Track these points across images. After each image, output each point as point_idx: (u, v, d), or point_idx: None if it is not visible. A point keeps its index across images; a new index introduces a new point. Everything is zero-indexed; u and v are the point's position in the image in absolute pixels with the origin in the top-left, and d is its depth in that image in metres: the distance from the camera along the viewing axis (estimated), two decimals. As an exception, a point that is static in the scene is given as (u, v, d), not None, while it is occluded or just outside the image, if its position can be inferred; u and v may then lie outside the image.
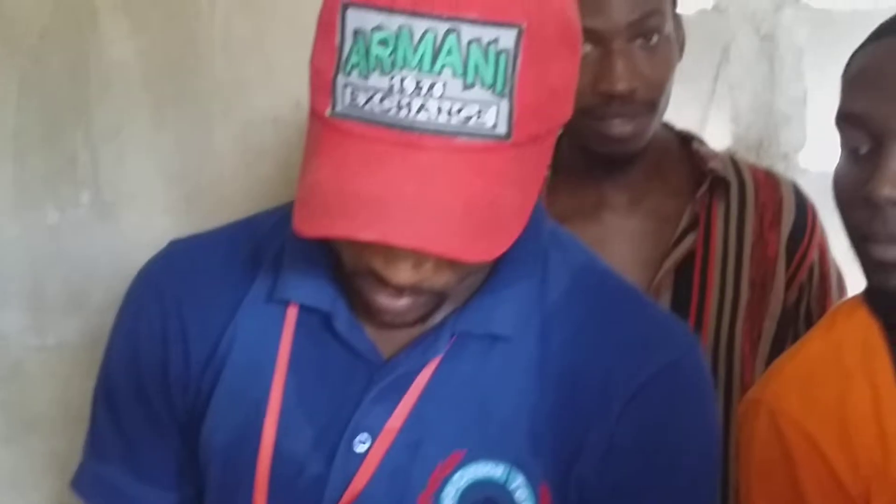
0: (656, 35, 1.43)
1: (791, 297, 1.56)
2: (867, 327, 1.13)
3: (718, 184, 1.55)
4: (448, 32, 0.86)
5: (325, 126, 0.91)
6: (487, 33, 0.86)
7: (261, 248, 1.11)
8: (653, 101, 1.45)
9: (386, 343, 1.06)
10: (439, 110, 0.87)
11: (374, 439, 1.03)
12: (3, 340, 1.67)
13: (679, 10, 1.52)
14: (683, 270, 1.53)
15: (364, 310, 1.03)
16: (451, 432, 1.04)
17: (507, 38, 0.87)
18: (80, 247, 1.69)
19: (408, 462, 1.03)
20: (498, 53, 0.87)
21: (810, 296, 1.57)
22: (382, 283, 0.95)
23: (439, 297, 1.00)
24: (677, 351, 1.07)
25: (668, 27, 1.46)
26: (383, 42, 0.87)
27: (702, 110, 2.17)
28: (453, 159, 0.87)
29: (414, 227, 0.86)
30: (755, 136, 2.16)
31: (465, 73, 0.86)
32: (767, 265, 1.54)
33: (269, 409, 1.06)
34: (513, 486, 1.04)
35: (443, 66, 0.86)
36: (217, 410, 1.09)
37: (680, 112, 1.60)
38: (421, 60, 0.86)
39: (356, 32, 0.88)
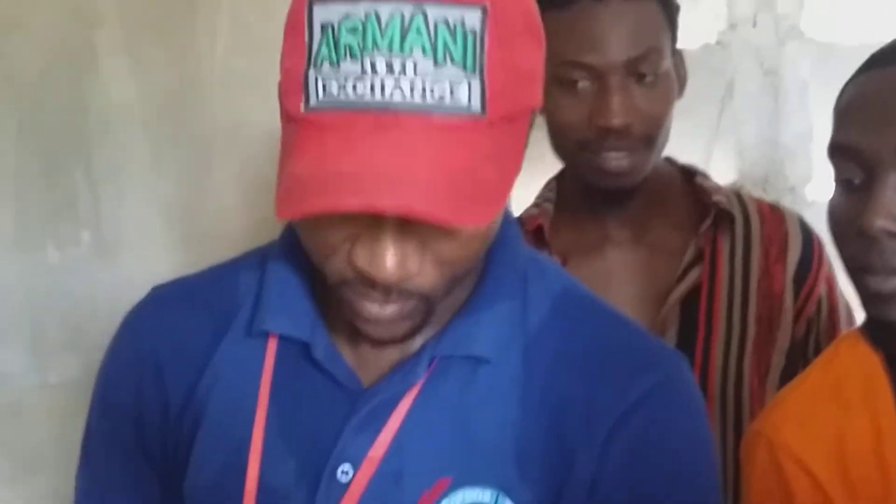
0: (654, 72, 1.43)
1: (800, 330, 1.55)
2: (868, 360, 1.12)
3: (723, 218, 1.54)
4: (414, 13, 0.87)
5: (299, 124, 0.92)
6: (452, 13, 0.88)
7: (241, 286, 1.11)
8: (649, 136, 1.45)
9: (366, 370, 1.06)
10: (413, 89, 0.88)
11: (356, 469, 1.03)
12: (4, 378, 1.66)
13: (682, 44, 1.52)
14: (689, 305, 1.52)
15: (351, 328, 1.03)
16: (436, 459, 1.03)
17: (472, 17, 0.89)
18: (80, 286, 1.68)
19: (392, 491, 1.02)
20: (465, 33, 0.88)
21: (819, 329, 1.56)
22: (369, 287, 0.94)
23: (426, 308, 0.98)
24: (663, 372, 1.06)
25: (667, 64, 1.46)
26: (352, 30, 0.88)
27: (707, 145, 2.17)
28: (432, 135, 0.88)
29: (398, 193, 0.86)
30: (761, 171, 2.16)
31: (434, 52, 0.88)
32: (774, 299, 1.53)
33: (252, 443, 1.05)
34: None
35: (412, 46, 0.87)
36: (201, 452, 1.08)
37: (684, 147, 1.60)
38: (391, 42, 0.87)
39: (324, 27, 0.89)
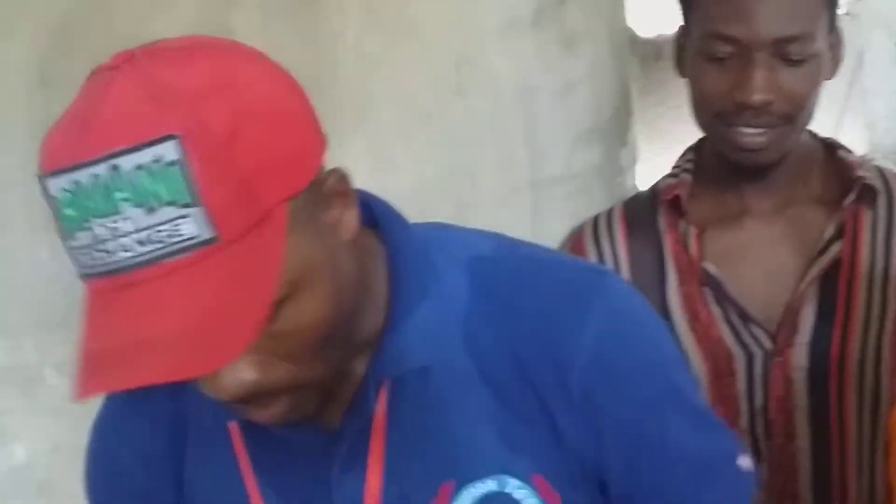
0: (802, 55, 1.42)
1: None
2: None
3: (866, 193, 1.52)
4: (111, 170, 0.84)
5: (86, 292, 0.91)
6: (146, 155, 0.84)
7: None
8: (790, 115, 1.44)
9: (328, 414, 1.04)
10: (137, 243, 0.85)
11: None
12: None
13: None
14: (828, 280, 1.51)
15: None
16: (430, 470, 1.04)
17: (168, 151, 0.84)
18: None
19: None
20: (165, 169, 0.84)
21: None
22: (241, 406, 0.95)
23: (313, 386, 0.97)
24: (598, 301, 1.05)
25: (819, 46, 1.44)
26: (68, 203, 0.86)
27: (836, 117, 2.15)
28: (165, 284, 0.85)
29: (133, 367, 0.84)
30: (891, 142, 2.13)
31: (141, 201, 0.84)
32: None
33: None
34: (509, 489, 1.04)
35: (118, 204, 0.84)
36: None
37: (813, 119, 1.59)
38: (99, 205, 0.84)
39: (53, 201, 0.87)
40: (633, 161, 2.04)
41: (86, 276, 0.88)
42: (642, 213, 1.62)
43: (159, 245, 0.85)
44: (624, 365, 1.04)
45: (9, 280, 1.64)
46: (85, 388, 0.85)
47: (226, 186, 0.86)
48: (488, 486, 1.04)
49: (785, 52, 1.41)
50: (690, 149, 1.64)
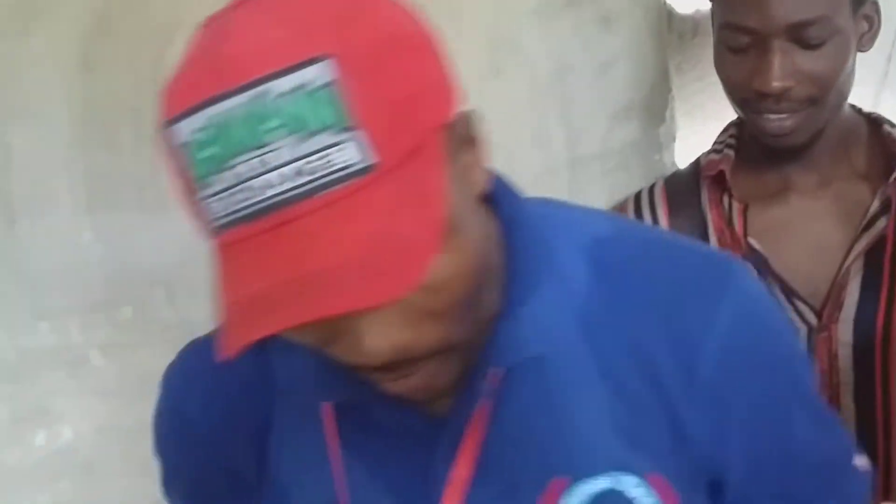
0: (821, 37, 1.41)
1: None
2: None
3: None
4: (256, 99, 0.78)
5: (215, 251, 0.84)
6: (295, 78, 0.78)
7: (268, 347, 0.99)
8: (813, 97, 1.44)
9: (435, 399, 0.97)
10: (288, 177, 0.78)
11: (465, 496, 0.98)
12: (192, 328, 1.73)
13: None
14: (873, 256, 1.51)
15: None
16: (539, 464, 0.98)
17: (320, 73, 0.78)
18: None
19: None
20: (319, 91, 0.78)
21: None
22: (380, 374, 0.88)
23: (457, 351, 0.91)
24: (729, 291, 0.99)
25: (841, 24, 1.44)
26: (205, 142, 0.79)
27: (875, 92, 2.13)
28: (323, 218, 0.79)
29: (306, 300, 0.77)
30: (931, 116, 2.11)
31: (292, 129, 0.78)
32: None
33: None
34: (625, 488, 0.98)
35: (268, 133, 0.78)
36: None
37: (852, 94, 1.58)
38: (244, 140, 0.78)
39: (183, 147, 0.81)
40: (672, 138, 2.03)
41: (223, 226, 0.81)
42: (684, 189, 1.62)
43: (314, 176, 0.79)
44: (754, 358, 0.99)
45: (53, 263, 1.65)
46: (239, 336, 0.79)
47: (382, 109, 0.80)
48: (602, 483, 0.98)
49: (801, 36, 1.41)
50: (732, 124, 1.64)
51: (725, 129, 1.64)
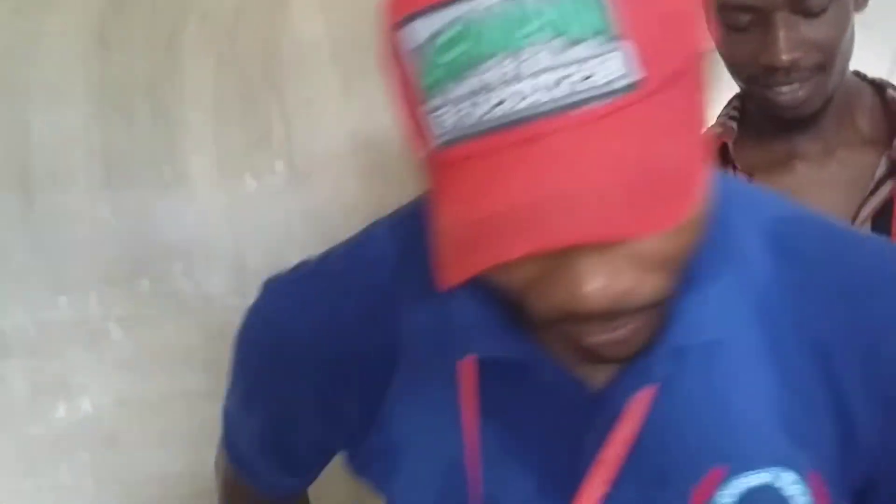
0: (823, 5, 1.41)
1: None
2: None
3: None
4: None
5: (433, 168, 0.76)
6: None
7: (394, 293, 0.93)
8: (821, 64, 1.43)
9: (593, 372, 0.90)
10: (544, 86, 0.69)
11: (610, 481, 0.90)
12: (209, 302, 1.75)
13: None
14: (880, 221, 1.49)
15: (573, 357, 0.87)
16: (697, 451, 0.90)
17: None
18: (275, 212, 1.77)
19: (657, 494, 0.91)
20: None
21: None
22: (583, 322, 0.78)
23: (659, 313, 0.82)
24: None
25: None
26: (450, 43, 0.71)
27: (892, 57, 2.12)
28: (584, 135, 0.70)
29: (563, 222, 0.68)
30: (947, 83, 2.10)
31: (560, 30, 0.69)
32: None
33: (469, 469, 0.92)
34: (783, 485, 0.90)
35: (529, 35, 0.69)
36: (410, 475, 0.96)
37: (868, 61, 1.57)
38: (496, 43, 0.69)
39: (418, 50, 0.72)
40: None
41: (452, 141, 0.72)
42: None
43: (574, 89, 0.70)
44: None
45: (71, 237, 1.67)
46: (468, 263, 0.70)
47: (652, 21, 0.71)
48: (762, 478, 0.90)
49: (803, 7, 1.40)
50: (736, 97, 1.63)
51: (728, 103, 1.63)
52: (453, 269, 0.71)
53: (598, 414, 0.89)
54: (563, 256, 0.73)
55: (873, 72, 1.59)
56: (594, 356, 0.82)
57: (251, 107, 1.74)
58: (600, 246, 0.73)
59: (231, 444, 1.11)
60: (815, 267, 0.90)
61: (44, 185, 1.64)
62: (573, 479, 0.90)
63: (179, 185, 1.72)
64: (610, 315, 0.76)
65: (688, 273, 0.84)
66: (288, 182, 1.77)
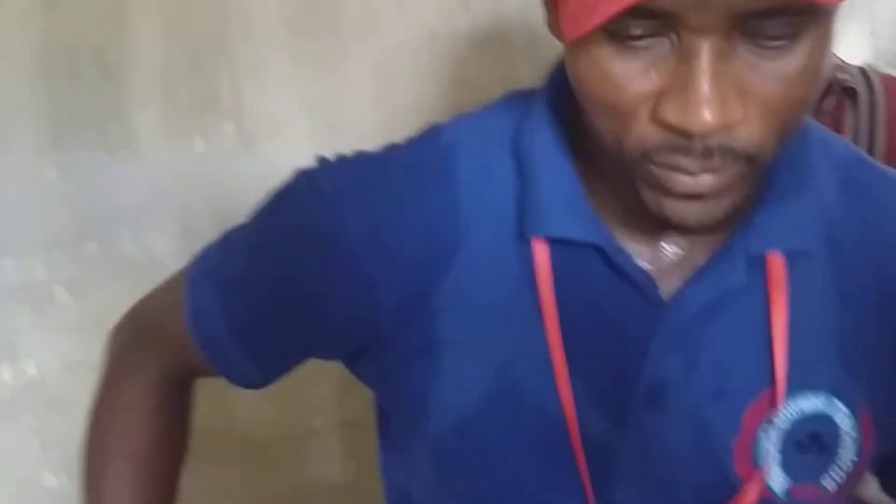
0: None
1: None
2: None
3: (846, 95, 1.51)
4: None
5: None
6: None
7: (461, 182, 0.92)
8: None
9: (662, 277, 0.90)
10: None
11: (669, 389, 0.90)
12: (157, 265, 1.74)
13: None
14: None
15: (640, 227, 0.89)
16: (756, 368, 0.90)
17: None
18: (225, 175, 1.76)
19: (712, 409, 0.90)
20: None
21: None
22: (681, 152, 0.77)
23: (749, 176, 0.80)
24: None
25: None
26: None
27: (839, 23, 2.14)
28: None
29: None
30: (896, 49, 2.11)
31: None
32: None
33: (555, 366, 0.90)
34: (836, 415, 0.91)
35: None
36: (450, 376, 0.93)
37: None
38: None
39: None
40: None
41: None
42: None
43: None
44: None
45: (17, 200, 1.65)
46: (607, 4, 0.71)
47: None
48: (817, 403, 0.91)
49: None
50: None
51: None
52: (587, 14, 0.71)
53: (668, 321, 0.89)
54: (685, 73, 0.73)
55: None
56: (672, 215, 0.81)
57: (200, 69, 1.72)
58: (722, 72, 0.73)
59: (201, 323, 1.01)
60: (883, 207, 0.92)
61: (-11, 147, 1.62)
62: (633, 390, 0.90)
63: (127, 148, 1.70)
64: (710, 149, 0.76)
65: (768, 186, 0.87)
66: (237, 145, 1.76)
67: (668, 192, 0.80)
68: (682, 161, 0.77)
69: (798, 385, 0.90)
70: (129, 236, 1.72)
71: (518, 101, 0.96)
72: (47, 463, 1.71)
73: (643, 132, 0.77)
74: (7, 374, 1.69)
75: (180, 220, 1.75)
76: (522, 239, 0.90)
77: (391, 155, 0.96)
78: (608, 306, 0.90)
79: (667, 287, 0.90)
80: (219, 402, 1.51)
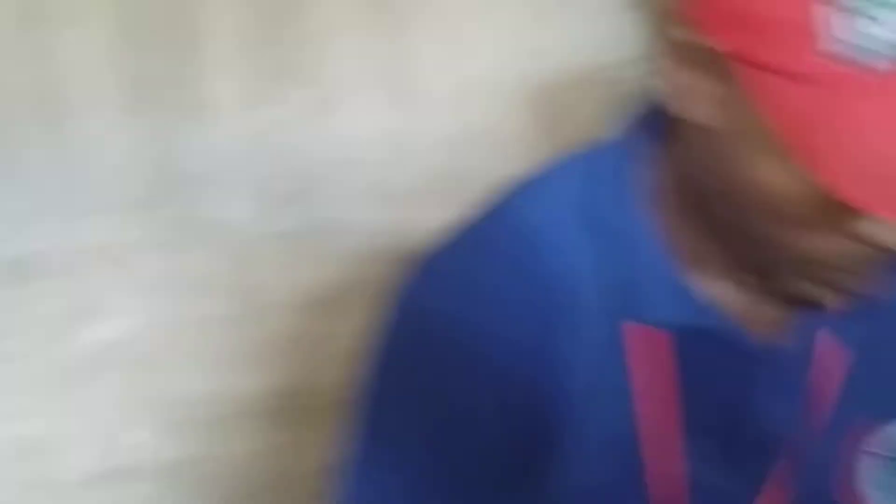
0: None
1: None
2: None
3: None
4: None
5: (827, 77, 0.67)
6: None
7: (572, 256, 0.87)
8: None
9: (756, 323, 0.87)
10: None
11: (781, 436, 0.89)
12: (234, 229, 1.77)
13: None
14: None
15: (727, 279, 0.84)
16: (875, 406, 0.91)
17: None
18: (302, 140, 1.77)
19: (828, 448, 0.90)
20: None
21: None
22: (867, 261, 0.73)
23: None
24: None
25: None
26: None
27: None
28: None
29: None
30: None
31: None
32: None
33: (665, 443, 0.87)
34: None
35: None
36: (580, 450, 0.89)
37: None
38: None
39: None
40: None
41: (875, 54, 0.66)
42: None
43: None
44: None
45: (103, 159, 1.68)
46: None
47: None
48: None
49: None
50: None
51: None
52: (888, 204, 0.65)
53: (773, 368, 0.86)
54: None
55: None
56: (830, 303, 0.77)
57: (277, 34, 1.74)
58: None
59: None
60: None
61: (72, 111, 1.65)
62: (749, 440, 0.87)
63: (203, 112, 1.72)
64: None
65: None
66: (314, 110, 1.77)
67: (837, 290, 0.76)
68: (861, 266, 0.73)
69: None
70: (207, 200, 1.75)
71: (583, 161, 0.91)
72: (132, 421, 1.75)
73: (823, 242, 0.71)
74: (90, 332, 1.72)
75: (258, 184, 1.77)
76: (613, 319, 0.85)
77: (468, 252, 0.89)
78: (718, 372, 0.86)
79: (761, 329, 0.87)
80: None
